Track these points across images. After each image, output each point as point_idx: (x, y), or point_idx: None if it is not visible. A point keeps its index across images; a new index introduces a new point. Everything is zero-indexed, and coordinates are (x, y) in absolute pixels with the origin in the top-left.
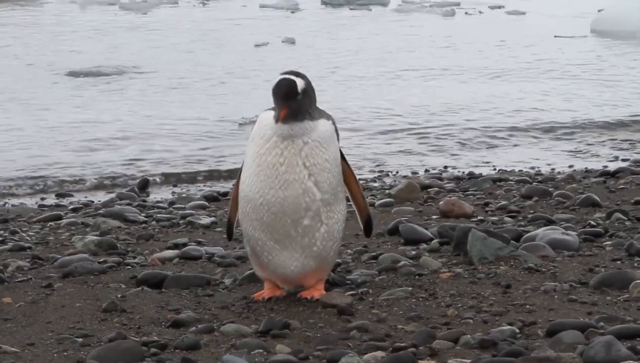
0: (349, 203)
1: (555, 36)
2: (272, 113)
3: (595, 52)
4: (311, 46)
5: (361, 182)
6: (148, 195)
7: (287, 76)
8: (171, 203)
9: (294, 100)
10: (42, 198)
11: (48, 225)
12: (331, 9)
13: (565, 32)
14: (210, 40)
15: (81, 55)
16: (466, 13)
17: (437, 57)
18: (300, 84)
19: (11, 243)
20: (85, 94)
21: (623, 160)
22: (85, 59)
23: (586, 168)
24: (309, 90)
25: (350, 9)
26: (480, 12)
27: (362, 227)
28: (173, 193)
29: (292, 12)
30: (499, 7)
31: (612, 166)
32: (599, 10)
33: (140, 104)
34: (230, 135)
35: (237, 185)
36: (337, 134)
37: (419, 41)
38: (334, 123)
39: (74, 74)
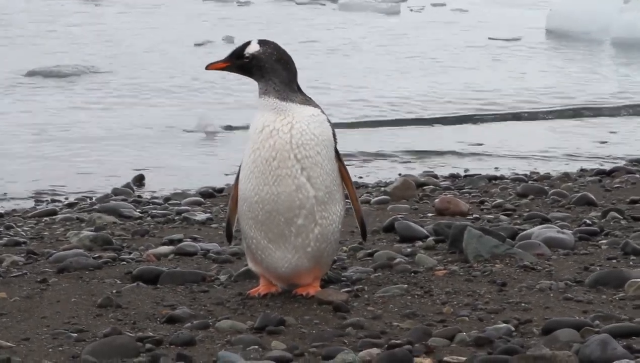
0: (347, 200)
1: (489, 38)
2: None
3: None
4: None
5: (355, 178)
6: (144, 186)
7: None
8: (166, 199)
9: (237, 59)
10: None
11: (43, 220)
12: (279, 4)
13: (506, 32)
14: (155, 38)
15: (37, 53)
16: (411, 10)
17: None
18: (253, 48)
19: (6, 238)
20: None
21: (619, 158)
22: (41, 57)
23: (581, 167)
24: (269, 60)
25: (297, 4)
26: (421, 10)
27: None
28: (173, 190)
29: (239, 5)
30: (442, 5)
31: (608, 165)
32: (550, 10)
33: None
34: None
35: (235, 185)
36: (333, 132)
37: (362, 39)
38: (327, 119)
39: (32, 74)
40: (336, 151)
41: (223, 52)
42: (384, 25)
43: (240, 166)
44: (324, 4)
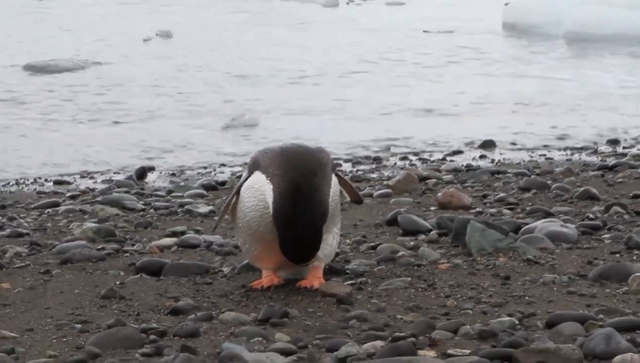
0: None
1: (424, 31)
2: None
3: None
4: (191, 39)
5: (359, 172)
6: (146, 183)
7: (305, 238)
8: (169, 191)
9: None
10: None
11: (46, 211)
12: None
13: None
14: (102, 35)
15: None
16: (347, 3)
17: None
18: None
19: (9, 230)
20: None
21: (622, 154)
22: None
23: (584, 161)
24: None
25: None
26: (357, 4)
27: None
28: (171, 182)
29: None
30: None
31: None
32: (505, 4)
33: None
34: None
35: (232, 203)
36: (333, 165)
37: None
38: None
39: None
40: (333, 170)
41: (166, 47)
42: (322, 16)
43: (238, 190)
44: None
